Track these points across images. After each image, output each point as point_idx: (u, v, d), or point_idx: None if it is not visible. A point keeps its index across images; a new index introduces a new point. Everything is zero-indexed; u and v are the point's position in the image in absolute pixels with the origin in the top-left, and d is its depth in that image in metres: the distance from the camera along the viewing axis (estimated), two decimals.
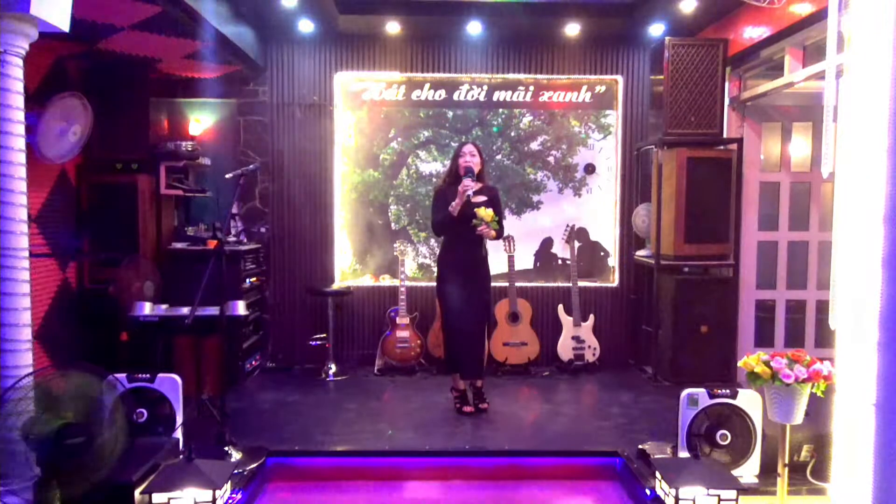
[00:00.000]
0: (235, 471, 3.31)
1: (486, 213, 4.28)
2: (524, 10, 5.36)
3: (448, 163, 5.77)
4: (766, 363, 2.96)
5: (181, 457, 3.25)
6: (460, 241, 4.43)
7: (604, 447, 3.90)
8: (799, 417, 2.99)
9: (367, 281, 5.96)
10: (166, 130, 5.66)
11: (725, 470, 3.15)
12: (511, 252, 5.54)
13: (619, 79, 5.93)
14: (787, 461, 3.06)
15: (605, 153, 5.98)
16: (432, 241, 5.94)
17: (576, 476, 3.75)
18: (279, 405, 4.72)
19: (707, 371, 5.18)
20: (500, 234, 4.53)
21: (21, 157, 2.92)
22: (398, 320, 5.54)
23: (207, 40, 4.65)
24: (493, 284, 4.79)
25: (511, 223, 5.76)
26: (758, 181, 5.56)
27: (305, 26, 5.44)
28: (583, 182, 5.99)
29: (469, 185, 4.30)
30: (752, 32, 4.98)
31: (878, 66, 2.00)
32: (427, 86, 5.89)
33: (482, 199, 4.42)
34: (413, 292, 5.77)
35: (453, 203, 4.32)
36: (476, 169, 4.42)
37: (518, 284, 5.69)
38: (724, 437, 3.36)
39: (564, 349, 5.67)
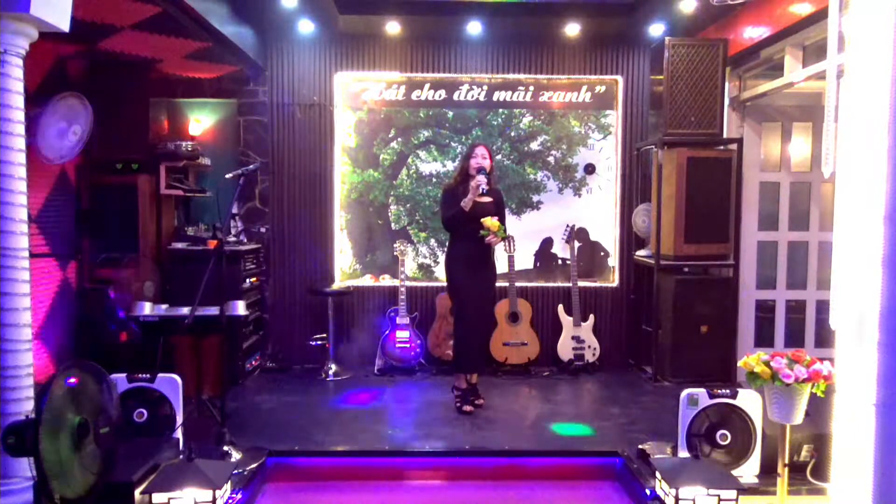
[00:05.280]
0: (235, 471, 3.31)
1: (492, 223, 4.35)
2: (524, 10, 5.36)
3: (449, 162, 5.84)
4: (766, 363, 2.95)
5: (181, 457, 3.25)
6: (470, 237, 4.47)
7: (604, 447, 3.90)
8: (799, 417, 2.99)
9: (367, 281, 5.95)
10: (166, 130, 5.66)
11: (725, 470, 3.15)
12: (511, 252, 5.53)
13: (619, 79, 5.92)
14: (787, 461, 3.06)
15: (605, 153, 5.98)
16: (432, 240, 5.94)
17: (576, 476, 3.75)
18: (279, 405, 4.72)
19: (707, 371, 5.19)
20: (504, 237, 4.59)
21: (21, 157, 2.92)
22: (398, 320, 5.54)
23: (207, 40, 4.65)
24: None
25: (511, 223, 5.74)
26: (758, 181, 5.56)
27: (305, 26, 5.44)
28: (583, 182, 5.99)
29: (482, 181, 4.35)
30: (752, 32, 4.98)
31: (878, 66, 2.01)
32: (427, 86, 5.89)
33: (488, 200, 4.47)
34: (413, 292, 5.77)
35: (465, 199, 4.37)
36: (488, 170, 4.47)
37: (518, 284, 5.68)
38: (724, 437, 3.36)
39: (564, 349, 5.66)
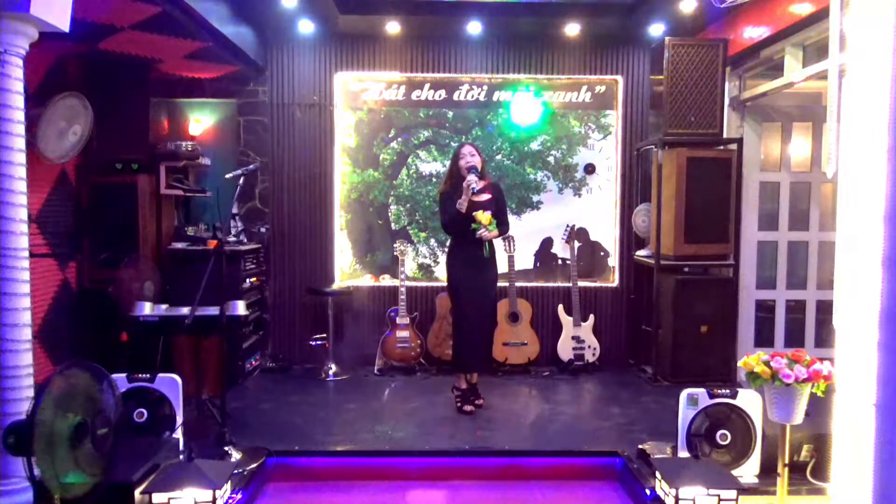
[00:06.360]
0: (235, 471, 3.31)
1: (483, 216, 4.33)
2: (524, 10, 5.37)
3: (449, 162, 5.83)
4: (766, 363, 2.95)
5: (181, 457, 3.25)
6: (471, 237, 4.47)
7: (604, 447, 3.90)
8: (799, 417, 2.99)
9: (367, 281, 5.95)
10: (166, 130, 5.66)
11: (725, 470, 3.15)
12: (511, 252, 5.53)
13: (619, 79, 5.92)
14: (787, 461, 3.05)
15: (605, 153, 5.98)
16: (432, 240, 5.95)
17: (576, 476, 3.75)
18: (279, 405, 4.72)
19: (707, 371, 5.18)
20: (504, 231, 4.60)
21: (21, 157, 2.92)
22: (398, 320, 5.54)
23: (207, 40, 4.65)
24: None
25: (511, 223, 5.73)
26: (758, 181, 5.56)
27: (305, 26, 5.44)
28: (583, 182, 5.99)
29: (473, 180, 4.33)
30: (752, 32, 4.98)
31: (878, 66, 2.00)
32: (427, 86, 5.89)
33: (486, 197, 4.45)
34: (413, 292, 5.77)
35: (459, 202, 4.37)
36: (479, 168, 4.46)
37: (518, 284, 5.68)
38: (724, 437, 3.36)
39: (564, 349, 5.66)
